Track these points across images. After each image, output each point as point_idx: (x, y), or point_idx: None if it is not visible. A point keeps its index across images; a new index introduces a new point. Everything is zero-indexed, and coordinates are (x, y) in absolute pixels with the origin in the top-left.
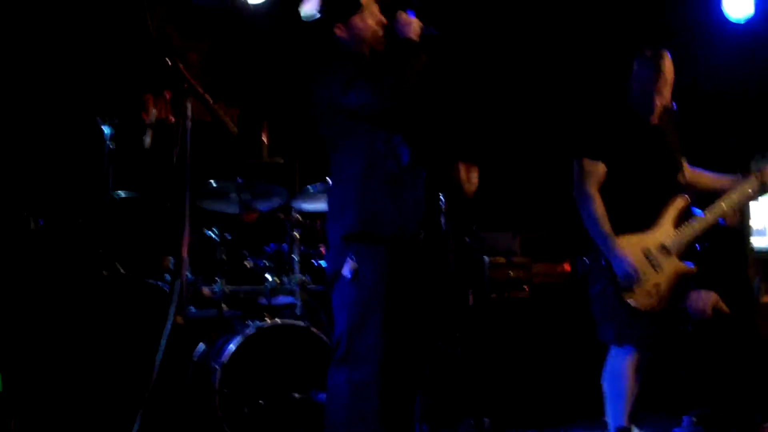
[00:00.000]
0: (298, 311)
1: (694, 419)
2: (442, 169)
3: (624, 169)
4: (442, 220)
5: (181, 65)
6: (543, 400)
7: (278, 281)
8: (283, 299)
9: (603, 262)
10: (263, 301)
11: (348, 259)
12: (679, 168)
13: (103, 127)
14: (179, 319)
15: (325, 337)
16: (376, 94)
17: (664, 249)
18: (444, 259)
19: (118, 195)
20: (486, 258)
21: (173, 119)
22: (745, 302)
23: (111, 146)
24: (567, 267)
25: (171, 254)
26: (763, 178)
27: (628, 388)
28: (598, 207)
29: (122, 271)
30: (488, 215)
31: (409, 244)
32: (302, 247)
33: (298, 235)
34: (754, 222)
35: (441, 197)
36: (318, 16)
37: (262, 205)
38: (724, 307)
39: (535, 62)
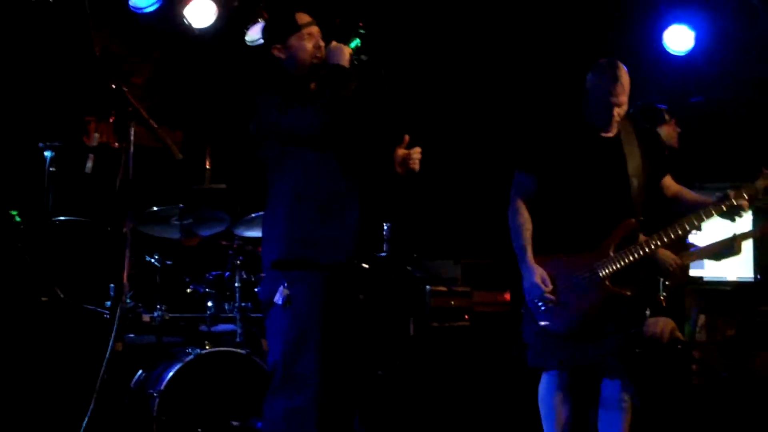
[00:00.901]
0: (238, 338)
1: None
2: (379, 194)
3: (566, 185)
4: (385, 247)
5: (125, 88)
6: (482, 428)
7: (219, 308)
8: (223, 326)
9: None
10: (204, 328)
11: (281, 286)
12: (628, 188)
13: (44, 151)
14: (118, 346)
15: (265, 365)
16: (309, 116)
17: (593, 273)
18: (385, 287)
19: (58, 219)
20: (428, 286)
21: (116, 144)
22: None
23: (52, 170)
24: (507, 296)
25: (111, 280)
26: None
27: (557, 412)
28: (520, 219)
29: (61, 296)
30: (430, 243)
31: (344, 270)
32: (244, 274)
33: (239, 262)
34: None
35: (384, 225)
36: (261, 41)
37: (204, 231)
38: (679, 335)
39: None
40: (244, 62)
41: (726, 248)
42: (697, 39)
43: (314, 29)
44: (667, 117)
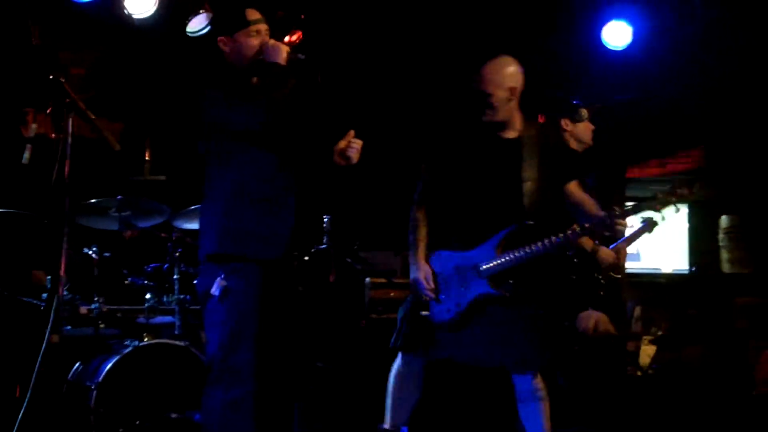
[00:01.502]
0: (177, 331)
1: None
2: (317, 187)
3: (460, 183)
4: (325, 239)
5: (63, 80)
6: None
7: (158, 300)
8: (162, 318)
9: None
10: (142, 320)
11: (218, 278)
12: (520, 190)
13: None
14: (55, 338)
15: (203, 357)
16: (249, 113)
17: (475, 269)
18: (324, 279)
19: None
20: (367, 278)
21: (54, 135)
22: (619, 326)
23: None
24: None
25: (48, 272)
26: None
27: (402, 394)
28: (416, 214)
29: None
30: (370, 235)
31: (280, 264)
32: (183, 266)
33: (178, 254)
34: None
35: (324, 217)
36: (203, 32)
37: (143, 223)
38: (612, 329)
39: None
40: (185, 53)
41: (643, 231)
42: (635, 34)
43: (262, 27)
44: (583, 114)
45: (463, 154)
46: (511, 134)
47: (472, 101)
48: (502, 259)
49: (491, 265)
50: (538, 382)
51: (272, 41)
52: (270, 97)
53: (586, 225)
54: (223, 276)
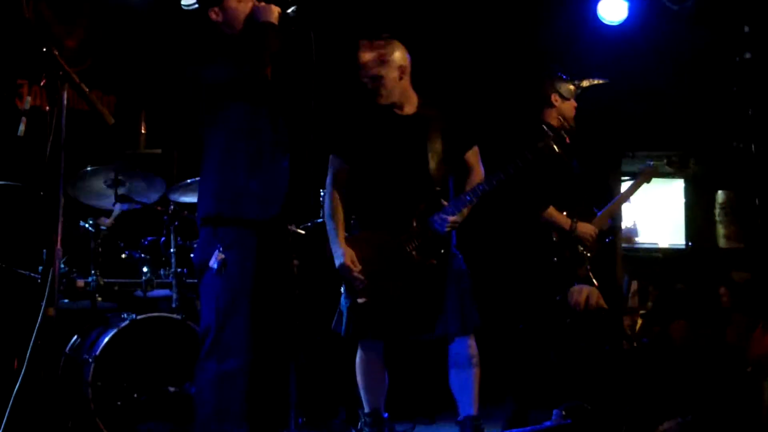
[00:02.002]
0: (174, 304)
1: (563, 412)
2: (307, 151)
3: (368, 164)
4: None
5: (56, 52)
6: (417, 393)
7: (155, 274)
8: (159, 292)
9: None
10: (139, 293)
11: (216, 250)
12: (426, 163)
13: None
14: (51, 311)
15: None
16: (229, 64)
17: (399, 246)
18: (321, 252)
19: None
20: None
21: (48, 107)
22: (614, 301)
23: None
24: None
25: (44, 245)
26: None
27: (370, 379)
28: (332, 200)
29: None
30: None
31: (273, 227)
32: (179, 240)
33: (175, 228)
34: (624, 222)
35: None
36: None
37: (139, 197)
38: (603, 303)
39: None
40: (179, 25)
41: (616, 208)
42: (631, 9)
43: None
44: (571, 90)
45: (366, 136)
46: (408, 111)
47: (366, 85)
48: (422, 230)
49: (413, 238)
50: (474, 347)
51: (262, 3)
52: (254, 51)
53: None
54: (221, 248)
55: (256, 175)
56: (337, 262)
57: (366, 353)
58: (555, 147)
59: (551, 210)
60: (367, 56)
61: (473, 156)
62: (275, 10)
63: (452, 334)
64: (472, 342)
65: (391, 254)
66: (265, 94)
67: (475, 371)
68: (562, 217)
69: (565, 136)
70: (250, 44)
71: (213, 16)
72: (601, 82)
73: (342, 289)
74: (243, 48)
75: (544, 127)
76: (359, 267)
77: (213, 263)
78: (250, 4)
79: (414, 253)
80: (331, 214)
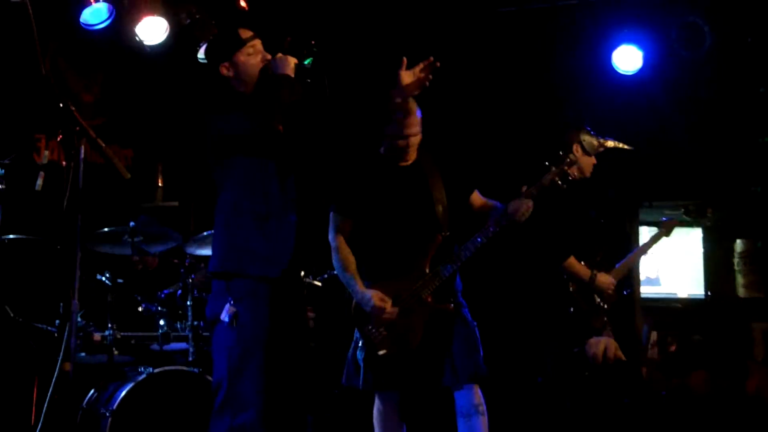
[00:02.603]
0: (190, 357)
1: None
2: (315, 210)
3: (375, 217)
4: None
5: (72, 107)
6: None
7: (171, 327)
8: (176, 345)
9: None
10: (155, 347)
11: (227, 303)
12: (432, 209)
13: None
14: (67, 365)
15: None
16: (243, 118)
17: (414, 294)
18: (338, 304)
19: (7, 238)
20: None
21: (65, 162)
22: (633, 352)
23: (1, 188)
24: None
25: (61, 299)
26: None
27: (390, 430)
28: (341, 254)
29: (11, 314)
30: None
31: (283, 283)
32: (195, 292)
33: (191, 280)
34: (644, 271)
35: None
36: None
37: (155, 248)
38: (621, 355)
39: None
40: (196, 79)
41: (635, 261)
42: (646, 59)
43: (257, 42)
44: (595, 146)
45: (370, 189)
46: (407, 162)
47: (396, 144)
48: (436, 275)
49: (428, 284)
50: (479, 396)
51: (280, 54)
52: (270, 105)
53: (498, 217)
54: (232, 301)
55: (263, 235)
56: (368, 306)
57: (384, 405)
58: (558, 181)
59: (572, 260)
60: (417, 118)
61: (477, 197)
62: (291, 62)
63: (461, 383)
64: (477, 390)
65: (408, 303)
66: (275, 150)
67: (483, 419)
68: (582, 268)
69: (562, 183)
70: (264, 98)
71: (224, 71)
72: (627, 147)
73: (356, 342)
74: (256, 103)
75: (547, 163)
76: (390, 301)
77: (224, 316)
78: (259, 57)
79: (430, 300)
80: (345, 265)
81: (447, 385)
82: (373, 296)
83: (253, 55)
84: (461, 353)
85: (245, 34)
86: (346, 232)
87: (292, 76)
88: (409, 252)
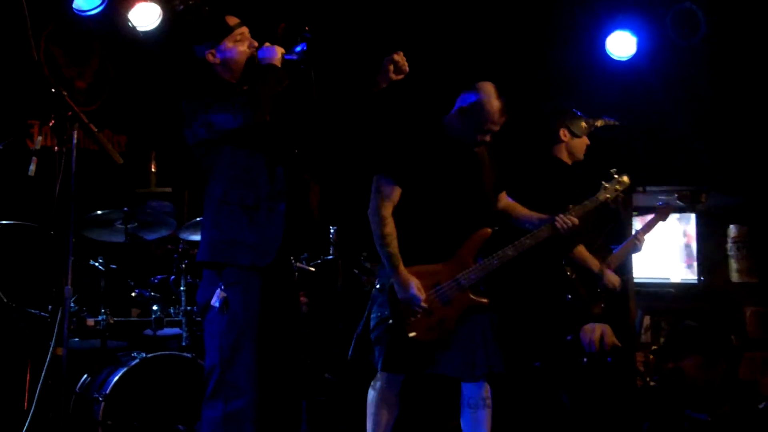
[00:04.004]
0: (184, 342)
1: None
2: (304, 198)
3: (430, 195)
4: (331, 250)
5: (65, 93)
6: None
7: (164, 312)
8: (169, 330)
9: (381, 287)
10: (149, 332)
11: (218, 289)
12: (489, 201)
13: None
14: (59, 350)
15: None
16: (231, 109)
17: (456, 283)
18: (332, 289)
19: (1, 223)
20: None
21: (58, 147)
22: (627, 337)
23: None
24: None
25: (54, 284)
26: (553, 227)
27: (387, 413)
28: (387, 228)
29: (4, 299)
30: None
31: (273, 271)
32: (189, 278)
33: (184, 266)
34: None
35: (331, 228)
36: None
37: (149, 235)
38: (616, 341)
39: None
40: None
41: (632, 247)
42: (640, 45)
43: (245, 30)
44: (583, 127)
45: (433, 166)
46: (475, 148)
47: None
48: (480, 269)
49: (471, 276)
50: (488, 389)
51: (267, 43)
52: (257, 95)
53: (553, 222)
54: (222, 287)
55: (251, 225)
56: (403, 294)
57: (388, 385)
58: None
59: (581, 249)
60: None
61: (504, 197)
62: (279, 52)
63: (476, 375)
64: (486, 383)
65: (448, 292)
66: (263, 141)
67: (489, 412)
68: (592, 259)
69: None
70: (251, 89)
71: (210, 58)
72: (615, 123)
73: (377, 319)
74: (242, 93)
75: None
76: (425, 296)
77: (215, 302)
78: (246, 44)
79: (470, 292)
80: (388, 241)
81: (460, 376)
82: (414, 285)
83: (240, 42)
84: (482, 346)
85: (232, 21)
86: (393, 202)
87: (279, 66)
88: (458, 239)
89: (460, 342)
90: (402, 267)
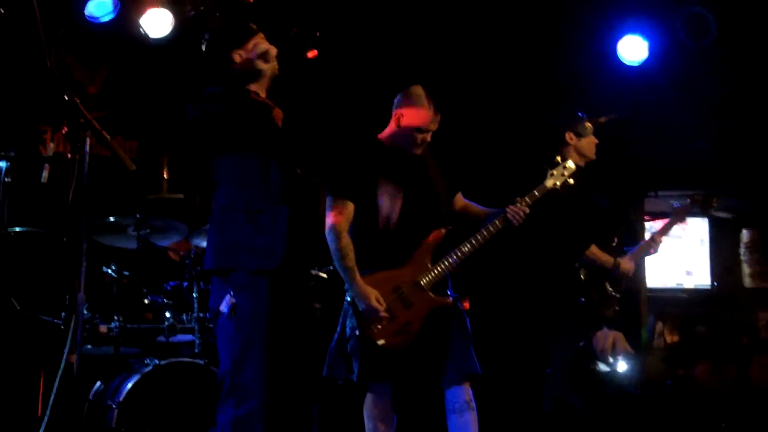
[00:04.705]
0: (196, 349)
1: None
2: (312, 202)
3: (373, 204)
4: None
5: (77, 99)
6: None
7: (177, 319)
8: (182, 337)
9: (351, 299)
10: (162, 338)
11: (227, 295)
12: (438, 203)
13: None
14: (72, 358)
15: None
16: (234, 108)
17: (416, 285)
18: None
19: (13, 230)
20: None
21: (71, 154)
22: (639, 343)
23: (7, 180)
24: (467, 304)
25: (67, 291)
26: (505, 218)
27: (380, 423)
28: (341, 242)
29: (18, 307)
30: None
31: (283, 275)
32: (202, 284)
33: (197, 272)
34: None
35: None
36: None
37: (161, 241)
38: (628, 347)
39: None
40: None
41: (648, 248)
42: (651, 49)
43: (262, 35)
44: (588, 128)
45: (376, 175)
46: (416, 151)
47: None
48: (439, 268)
49: (430, 277)
50: (470, 392)
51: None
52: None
53: (495, 220)
54: (231, 293)
55: (256, 231)
56: (362, 305)
57: (379, 396)
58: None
59: (593, 248)
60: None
61: (460, 199)
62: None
63: (457, 379)
64: (467, 386)
65: (408, 295)
66: (267, 144)
67: (474, 415)
68: (605, 255)
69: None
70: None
71: (235, 56)
72: (616, 117)
73: (345, 332)
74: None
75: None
76: (384, 305)
77: (224, 307)
78: (265, 46)
79: (431, 293)
80: (344, 254)
81: (440, 380)
82: (370, 295)
83: (260, 43)
84: (458, 349)
85: (252, 26)
86: (347, 218)
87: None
88: (412, 243)
89: (432, 345)
90: (359, 279)
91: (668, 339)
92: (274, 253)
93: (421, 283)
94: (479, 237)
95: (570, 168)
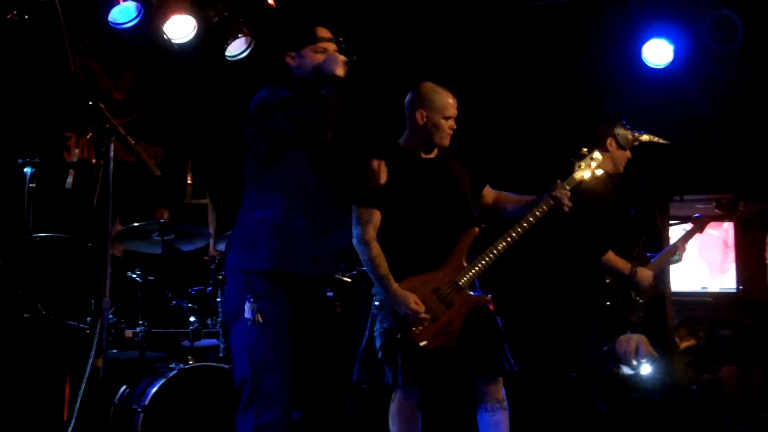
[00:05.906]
0: (221, 353)
1: None
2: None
3: (404, 210)
4: None
5: (102, 105)
6: None
7: (202, 323)
8: (206, 341)
9: (380, 304)
10: (186, 343)
11: (247, 300)
12: (467, 201)
13: (24, 167)
14: (99, 362)
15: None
16: (304, 111)
17: (455, 285)
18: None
19: (39, 236)
20: None
21: (95, 160)
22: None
23: (32, 186)
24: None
25: (93, 296)
26: (553, 198)
27: (408, 426)
28: (373, 251)
29: (43, 312)
30: None
31: (318, 282)
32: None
33: (221, 277)
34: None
35: None
36: (244, 55)
37: (186, 246)
38: (653, 351)
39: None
40: (224, 77)
41: (671, 255)
42: (676, 52)
43: (330, 46)
44: (629, 140)
45: (399, 181)
46: (432, 155)
47: (441, 134)
48: (478, 266)
49: (469, 275)
50: (503, 391)
51: (332, 53)
52: (327, 103)
53: (541, 202)
54: (251, 299)
55: (320, 238)
56: (402, 310)
57: (407, 399)
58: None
59: (610, 255)
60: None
61: (489, 191)
62: (341, 60)
63: (492, 377)
64: (501, 385)
65: (448, 295)
66: (329, 151)
67: (507, 415)
68: (622, 262)
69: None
70: (318, 96)
71: (288, 60)
72: (662, 141)
73: (380, 336)
74: (310, 99)
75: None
76: (423, 308)
77: (248, 314)
78: (323, 57)
79: (470, 292)
80: (377, 264)
81: (476, 378)
82: (408, 299)
83: (321, 53)
84: (493, 347)
85: (323, 33)
86: (375, 226)
87: (342, 75)
88: (446, 244)
89: (471, 343)
90: (395, 286)
91: (682, 343)
92: (332, 259)
93: (460, 282)
94: (524, 224)
95: (597, 159)
